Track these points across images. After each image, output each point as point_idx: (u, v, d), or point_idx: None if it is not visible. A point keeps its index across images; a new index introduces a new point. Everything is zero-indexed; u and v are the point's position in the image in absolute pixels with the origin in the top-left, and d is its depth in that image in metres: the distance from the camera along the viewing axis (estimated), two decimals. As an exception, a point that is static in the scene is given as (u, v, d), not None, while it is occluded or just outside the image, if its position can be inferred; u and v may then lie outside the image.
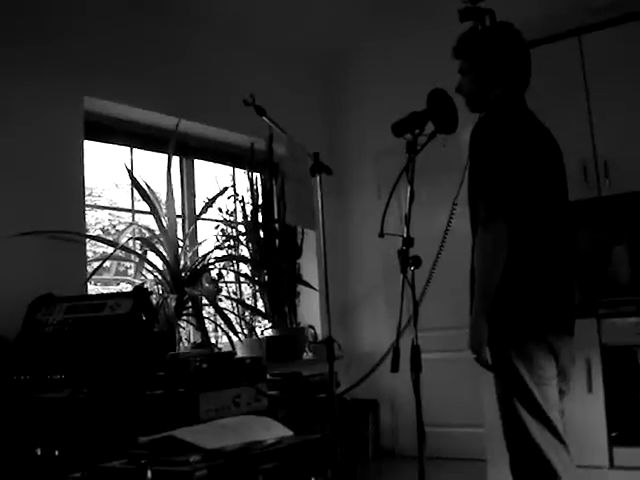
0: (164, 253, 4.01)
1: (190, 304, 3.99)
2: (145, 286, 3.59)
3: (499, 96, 2.49)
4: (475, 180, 2.35)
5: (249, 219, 4.83)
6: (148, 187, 4.11)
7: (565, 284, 2.44)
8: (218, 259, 4.40)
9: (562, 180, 2.52)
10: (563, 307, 2.41)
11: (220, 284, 4.46)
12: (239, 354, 4.09)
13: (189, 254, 4.30)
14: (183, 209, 4.79)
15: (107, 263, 4.07)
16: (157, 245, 4.05)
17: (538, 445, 2.23)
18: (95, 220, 4.56)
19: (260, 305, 4.90)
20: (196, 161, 4.97)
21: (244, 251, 4.85)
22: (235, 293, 4.77)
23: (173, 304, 3.78)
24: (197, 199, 4.87)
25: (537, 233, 2.35)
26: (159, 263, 4.02)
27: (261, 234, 4.82)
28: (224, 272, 4.53)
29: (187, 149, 4.83)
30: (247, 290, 4.98)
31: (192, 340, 4.36)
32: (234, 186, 4.93)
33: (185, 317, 4.06)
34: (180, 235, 4.35)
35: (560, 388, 2.38)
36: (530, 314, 2.31)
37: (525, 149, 2.35)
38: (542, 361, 2.28)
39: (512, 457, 2.32)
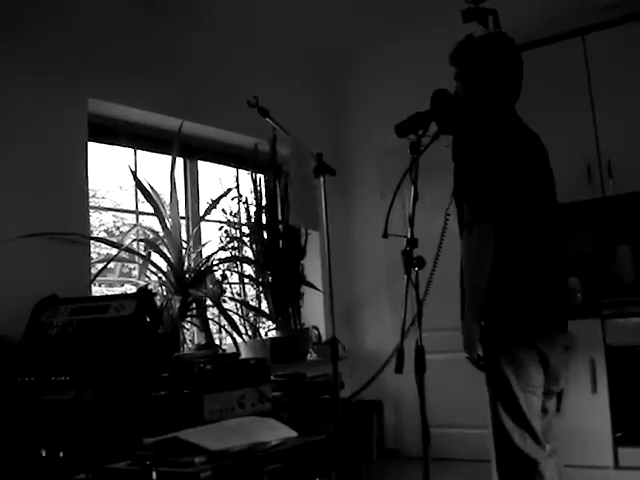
0: (168, 254, 4.01)
1: (194, 305, 3.99)
2: (149, 287, 3.59)
3: (484, 103, 2.50)
4: (459, 183, 2.36)
5: (253, 220, 4.83)
6: (152, 189, 4.12)
7: (555, 285, 2.45)
8: (222, 260, 4.40)
9: (549, 182, 2.53)
10: (554, 308, 2.42)
11: (224, 285, 4.46)
12: (243, 355, 4.10)
13: (193, 255, 4.30)
14: (187, 210, 4.79)
15: (111, 264, 4.07)
16: (161, 246, 4.06)
17: (521, 450, 2.27)
18: (99, 222, 4.56)
19: (264, 306, 4.90)
20: (200, 162, 4.97)
21: (248, 252, 4.85)
22: (239, 294, 4.76)
23: (177, 305, 3.78)
24: (201, 200, 4.87)
25: (524, 235, 2.36)
26: (163, 264, 4.03)
27: (265, 235, 4.82)
28: (228, 273, 4.53)
29: (191, 150, 4.83)
30: (251, 291, 4.98)
31: (196, 341, 4.36)
32: (238, 187, 4.93)
33: (189, 318, 4.06)
34: (184, 236, 4.36)
35: (549, 389, 2.41)
36: (520, 318, 2.32)
37: (509, 152, 2.36)
38: (531, 369, 2.31)
39: (496, 457, 2.35)
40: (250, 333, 4.64)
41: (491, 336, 2.29)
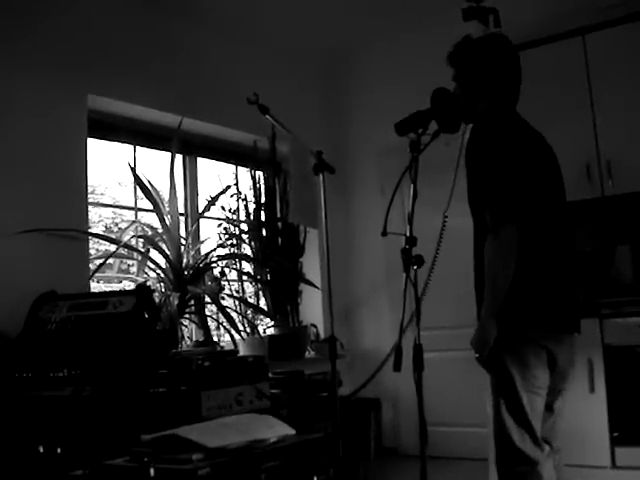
0: (167, 251, 4.01)
1: (193, 302, 3.99)
2: (148, 284, 3.59)
3: (486, 107, 2.50)
4: (477, 190, 2.36)
5: (252, 217, 4.83)
6: (151, 185, 4.11)
7: (569, 284, 2.45)
8: (221, 257, 4.40)
9: (559, 182, 2.54)
10: (567, 308, 2.42)
11: (222, 282, 4.45)
12: (241, 352, 4.10)
13: (192, 252, 4.30)
14: (186, 207, 4.79)
15: (110, 261, 4.07)
16: (160, 243, 4.05)
17: (520, 449, 2.28)
18: (98, 218, 4.56)
19: (262, 303, 4.90)
20: (199, 159, 4.97)
21: (247, 249, 4.84)
22: (237, 291, 4.76)
23: (176, 302, 3.78)
24: (200, 197, 4.87)
25: (540, 235, 2.36)
26: (162, 261, 4.03)
27: (264, 232, 4.82)
28: (227, 270, 4.53)
29: (190, 147, 4.83)
30: (249, 288, 4.98)
31: (194, 338, 4.35)
32: (237, 184, 4.92)
33: (187, 315, 4.06)
34: (183, 233, 4.35)
35: (556, 388, 2.42)
36: (529, 318, 2.32)
37: (521, 154, 2.36)
38: (537, 370, 2.31)
39: (496, 456, 2.36)
40: (248, 330, 4.63)
41: (499, 335, 2.28)
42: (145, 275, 4.08)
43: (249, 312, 4.75)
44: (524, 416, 2.28)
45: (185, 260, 4.11)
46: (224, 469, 2.02)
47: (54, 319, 3.06)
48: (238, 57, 4.95)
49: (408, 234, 2.32)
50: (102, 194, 4.53)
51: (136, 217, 4.46)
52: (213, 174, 4.95)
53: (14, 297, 3.20)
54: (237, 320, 4.34)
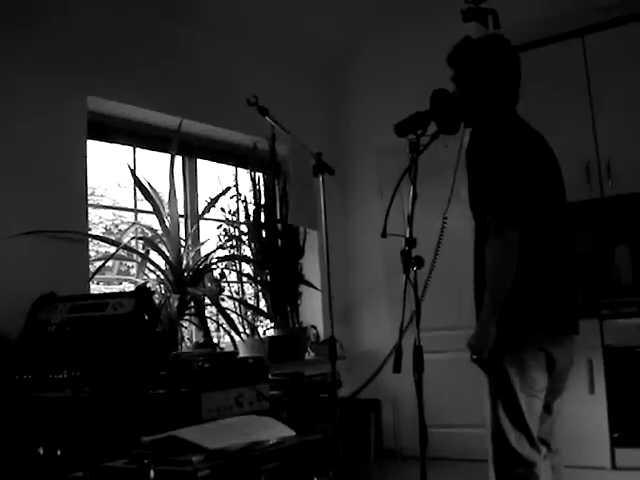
0: (166, 253, 4.01)
1: (192, 304, 3.99)
2: (147, 286, 3.59)
3: (485, 108, 2.50)
4: (478, 192, 2.36)
5: (251, 219, 4.83)
6: (151, 187, 4.11)
7: (568, 286, 2.45)
8: (220, 259, 4.40)
9: (560, 182, 2.54)
10: (566, 309, 2.42)
11: (222, 284, 4.46)
12: (241, 354, 4.09)
13: (191, 254, 4.30)
14: (186, 209, 4.79)
15: (109, 262, 4.07)
16: (160, 245, 4.05)
17: (517, 451, 2.28)
18: (98, 219, 4.56)
19: (262, 305, 4.90)
20: (199, 161, 4.96)
21: (246, 251, 4.84)
22: (237, 293, 4.76)
23: (175, 304, 3.78)
24: (200, 199, 4.86)
25: (540, 237, 2.35)
26: (161, 263, 4.02)
27: (263, 234, 4.82)
28: (226, 272, 4.53)
29: (190, 149, 4.83)
30: (249, 290, 4.98)
31: (194, 340, 4.35)
32: (237, 186, 4.93)
33: (187, 317, 4.06)
34: (182, 235, 4.35)
35: (555, 388, 2.42)
36: (528, 320, 2.32)
37: (522, 155, 2.36)
38: (536, 372, 2.31)
39: (493, 457, 2.36)
40: (248, 332, 4.64)
41: (498, 337, 2.28)
42: (145, 277, 4.07)
43: (249, 314, 4.75)
44: (521, 418, 2.28)
45: (185, 262, 4.11)
46: (224, 471, 2.02)
47: (54, 321, 3.06)
48: (237, 58, 4.95)
49: (408, 235, 2.32)
50: (102, 196, 4.53)
51: (136, 219, 4.46)
52: (213, 176, 4.95)
53: (14, 298, 3.19)
54: (237, 322, 4.34)
